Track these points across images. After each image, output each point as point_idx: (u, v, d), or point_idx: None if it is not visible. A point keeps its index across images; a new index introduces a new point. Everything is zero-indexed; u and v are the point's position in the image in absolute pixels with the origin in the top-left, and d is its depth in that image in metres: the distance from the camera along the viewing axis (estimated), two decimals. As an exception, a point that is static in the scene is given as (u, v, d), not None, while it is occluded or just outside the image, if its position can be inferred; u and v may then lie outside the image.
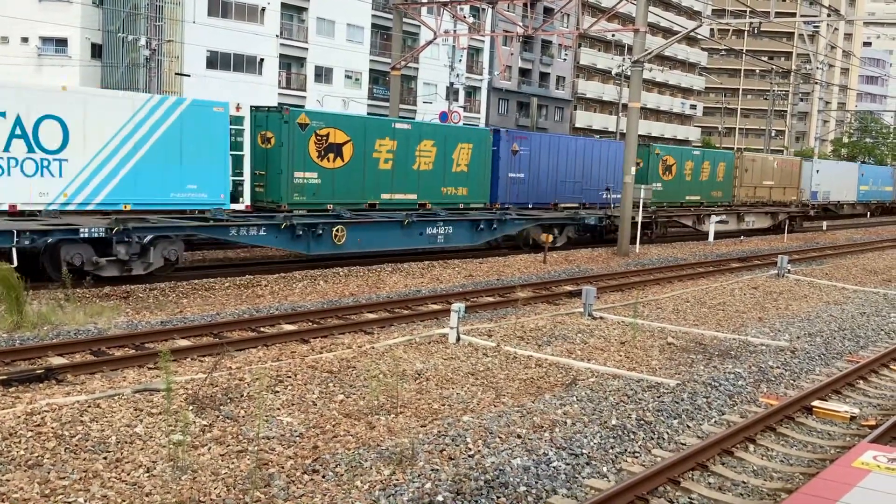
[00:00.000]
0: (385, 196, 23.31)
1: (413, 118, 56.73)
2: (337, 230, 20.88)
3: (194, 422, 8.57)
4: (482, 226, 24.86)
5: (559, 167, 29.70)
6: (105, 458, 7.58)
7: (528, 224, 26.93)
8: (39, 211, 16.84)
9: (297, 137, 20.85)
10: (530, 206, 28.81)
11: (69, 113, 17.03)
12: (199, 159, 18.90)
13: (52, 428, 8.19)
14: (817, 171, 48.96)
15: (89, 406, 8.94)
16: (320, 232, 20.43)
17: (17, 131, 16.43)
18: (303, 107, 51.73)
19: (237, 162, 19.84)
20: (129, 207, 18.08)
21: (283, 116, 20.70)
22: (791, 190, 46.00)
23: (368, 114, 54.95)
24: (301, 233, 19.98)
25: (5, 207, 16.37)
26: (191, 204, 18.97)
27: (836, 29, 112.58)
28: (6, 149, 16.23)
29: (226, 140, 19.43)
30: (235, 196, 19.95)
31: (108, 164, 17.73)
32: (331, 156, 21.69)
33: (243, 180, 20.07)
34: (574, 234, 28.76)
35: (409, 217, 22.47)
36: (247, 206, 20.04)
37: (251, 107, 20.59)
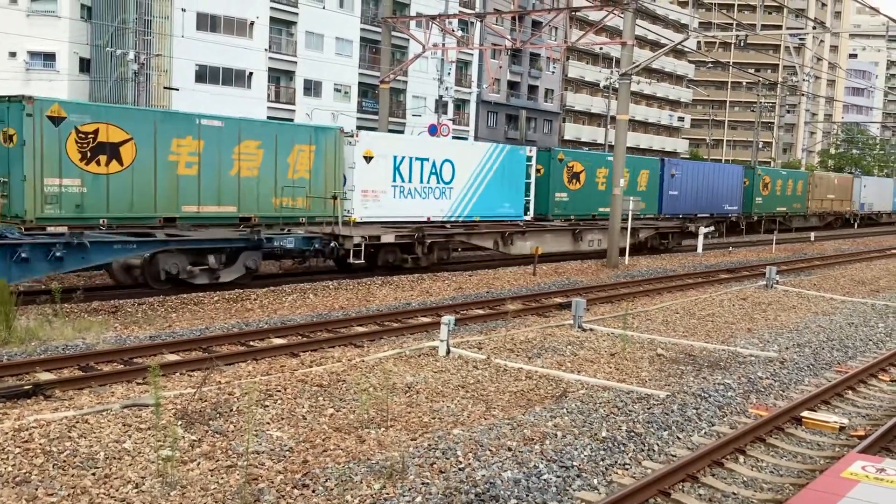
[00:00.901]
0: (601, 209, 32.49)
1: (402, 131, 56.90)
2: None
3: (183, 437, 8.53)
4: (25, 254, 15.84)
5: (697, 185, 38.93)
6: (93, 473, 7.54)
7: (149, 249, 18.15)
8: (438, 222, 25.33)
9: (556, 168, 30.61)
10: (680, 216, 37.64)
11: (456, 157, 25.89)
12: (511, 186, 27.72)
13: (40, 444, 8.14)
14: (864, 186, 58.86)
15: (77, 422, 8.88)
16: None
17: (433, 170, 25.17)
18: (293, 120, 51.86)
19: (527, 187, 28.41)
20: (478, 219, 26.49)
21: (550, 154, 30.63)
22: (846, 202, 56.26)
23: (358, 126, 55.14)
24: None
25: (424, 219, 24.76)
26: (505, 217, 27.63)
27: (821, 41, 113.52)
28: (428, 181, 25.10)
29: (524, 173, 28.22)
30: (525, 211, 28.53)
31: (471, 189, 26.33)
32: (574, 181, 31.41)
33: (529, 199, 28.51)
34: (255, 265, 19.89)
35: None
36: (531, 218, 28.48)
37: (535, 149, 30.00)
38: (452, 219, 25.67)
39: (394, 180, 23.94)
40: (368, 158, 23.08)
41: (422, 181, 24.87)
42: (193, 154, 19.36)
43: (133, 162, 18.47)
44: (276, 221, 20.74)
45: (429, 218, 24.70)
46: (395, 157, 23.95)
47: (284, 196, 21.09)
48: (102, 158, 17.94)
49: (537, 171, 28.97)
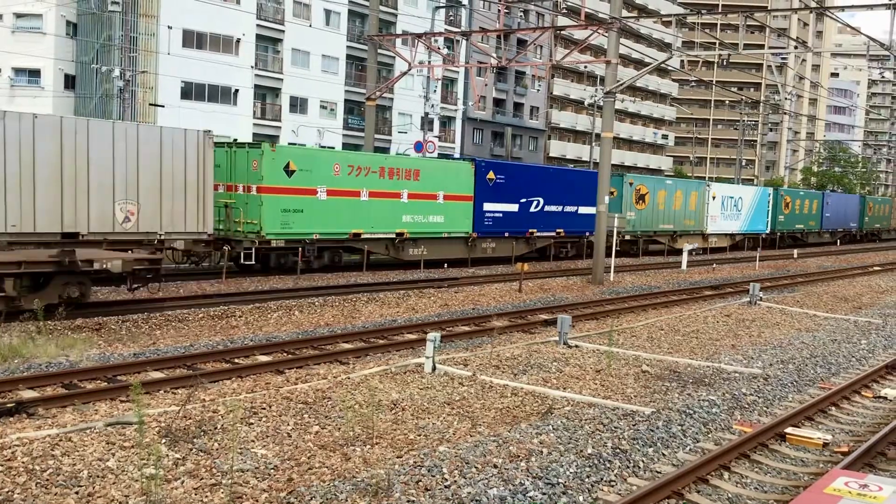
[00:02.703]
0: (796, 225, 54.13)
1: (388, 148, 57.03)
2: None
3: (167, 455, 8.49)
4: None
5: (838, 209, 60.18)
6: (77, 492, 7.48)
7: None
8: (735, 233, 46.19)
9: (779, 199, 50.87)
10: (827, 229, 58.53)
11: (743, 194, 46.30)
12: (762, 212, 48.03)
13: (23, 462, 8.07)
14: None
15: (61, 440, 8.82)
16: None
17: (734, 202, 44.78)
18: (278, 136, 51.84)
19: (767, 212, 49.15)
20: (744, 231, 47.08)
21: (777, 190, 50.60)
22: None
23: (344, 144, 55.31)
24: None
25: (731, 232, 44.81)
26: (759, 231, 48.63)
27: (803, 60, 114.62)
28: (731, 210, 44.47)
29: (767, 203, 48.67)
30: (766, 227, 49.29)
31: (748, 215, 46.71)
32: (787, 207, 51.82)
33: (769, 220, 48.42)
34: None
35: None
36: (769, 231, 49.72)
37: (771, 185, 56.55)
38: (741, 232, 46.77)
39: (720, 210, 43.95)
40: (713, 197, 43.07)
41: (730, 210, 44.92)
42: (663, 199, 39.55)
43: (647, 204, 38.56)
44: (686, 233, 41.48)
45: (732, 232, 45.61)
46: (722, 196, 43.80)
47: (687, 219, 41.45)
48: (640, 202, 37.94)
49: (786, 202, 51.29)
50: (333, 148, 51.13)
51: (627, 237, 37.74)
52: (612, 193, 32.47)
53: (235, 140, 27.28)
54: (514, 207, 30.82)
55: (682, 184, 42.43)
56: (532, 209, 31.44)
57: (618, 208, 35.15)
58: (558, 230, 33.24)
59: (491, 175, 29.96)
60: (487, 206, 29.69)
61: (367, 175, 25.50)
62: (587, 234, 33.77)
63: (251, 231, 23.35)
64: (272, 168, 23.40)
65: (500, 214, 30.31)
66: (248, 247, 23.28)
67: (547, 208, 32.24)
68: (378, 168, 26.00)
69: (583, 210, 34.25)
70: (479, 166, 29.51)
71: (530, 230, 31.72)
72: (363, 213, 25.54)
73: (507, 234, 30.61)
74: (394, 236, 26.66)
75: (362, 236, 25.68)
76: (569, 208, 33.66)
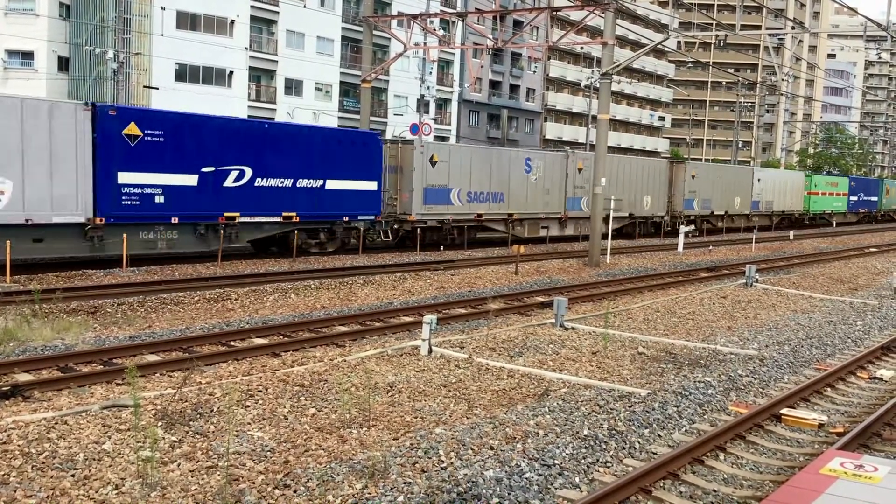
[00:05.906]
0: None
1: (384, 130, 56.90)
2: None
3: (163, 438, 8.49)
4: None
5: None
6: (73, 475, 7.48)
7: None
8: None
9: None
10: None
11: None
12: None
13: (19, 445, 8.07)
14: None
15: (56, 423, 8.81)
16: None
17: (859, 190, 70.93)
18: (273, 118, 51.64)
19: None
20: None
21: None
22: None
23: (339, 126, 55.08)
24: None
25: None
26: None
27: (800, 41, 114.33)
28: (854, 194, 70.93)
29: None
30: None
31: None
32: (832, 191, 66.41)
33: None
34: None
35: None
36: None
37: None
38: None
39: None
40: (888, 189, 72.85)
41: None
42: (894, 192, 74.05)
43: (890, 194, 72.15)
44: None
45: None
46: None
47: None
48: (887, 193, 70.58)
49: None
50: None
51: (885, 213, 68.34)
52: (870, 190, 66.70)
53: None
54: (855, 198, 61.98)
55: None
56: (834, 196, 60.80)
57: (881, 197, 66.21)
58: (838, 206, 61.71)
59: (852, 183, 61.73)
60: (851, 198, 60.66)
61: (830, 185, 59.00)
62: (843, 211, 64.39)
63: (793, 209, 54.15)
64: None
65: (854, 200, 61.43)
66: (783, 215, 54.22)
67: (846, 196, 62.52)
68: (832, 182, 58.85)
69: (852, 198, 62.21)
70: (850, 179, 61.86)
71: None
72: (826, 202, 58.26)
73: (845, 212, 61.61)
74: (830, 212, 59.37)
75: (827, 211, 58.25)
76: (846, 196, 61.69)
